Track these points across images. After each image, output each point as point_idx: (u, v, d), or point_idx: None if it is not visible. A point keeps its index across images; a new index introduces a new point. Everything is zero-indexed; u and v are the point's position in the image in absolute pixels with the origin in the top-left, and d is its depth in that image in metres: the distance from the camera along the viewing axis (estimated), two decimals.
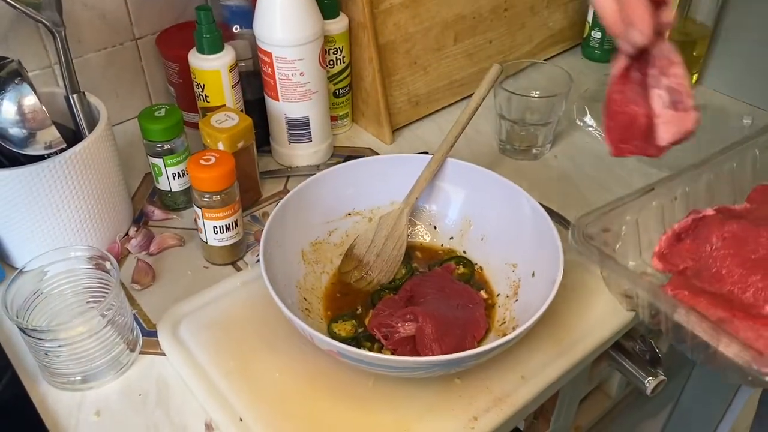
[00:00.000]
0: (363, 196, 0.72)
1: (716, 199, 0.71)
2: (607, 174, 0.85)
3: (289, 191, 0.81)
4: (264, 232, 0.62)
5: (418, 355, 0.58)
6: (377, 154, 0.87)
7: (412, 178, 0.71)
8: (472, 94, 0.73)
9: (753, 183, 0.73)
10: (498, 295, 0.66)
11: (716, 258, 0.62)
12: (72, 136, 0.72)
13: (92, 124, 0.71)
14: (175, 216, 0.78)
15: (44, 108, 0.61)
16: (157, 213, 0.78)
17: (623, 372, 0.76)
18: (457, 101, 0.96)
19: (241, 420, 0.57)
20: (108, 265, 0.61)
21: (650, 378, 0.74)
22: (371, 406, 0.58)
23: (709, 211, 0.67)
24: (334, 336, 0.62)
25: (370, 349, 0.61)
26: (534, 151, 0.87)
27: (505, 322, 0.62)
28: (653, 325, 0.60)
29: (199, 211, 0.68)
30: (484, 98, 0.73)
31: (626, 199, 0.65)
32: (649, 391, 0.74)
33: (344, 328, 0.63)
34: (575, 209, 0.78)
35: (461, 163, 0.70)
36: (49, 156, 0.64)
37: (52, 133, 0.60)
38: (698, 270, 0.63)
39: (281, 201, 0.65)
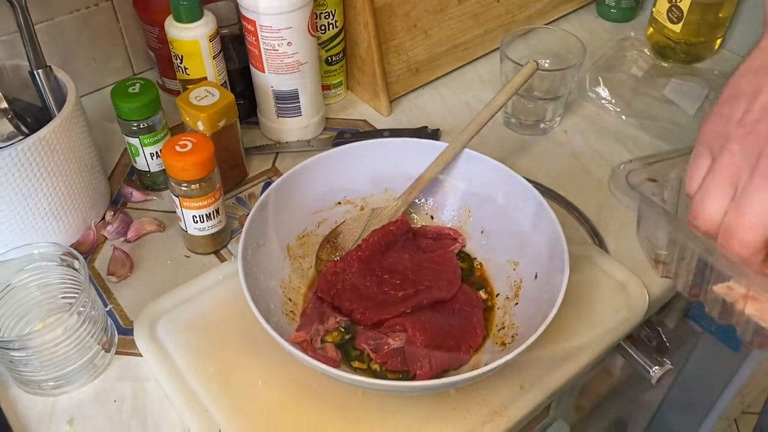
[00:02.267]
0: (355, 184, 0.66)
1: None
2: (621, 151, 0.79)
3: (277, 169, 0.76)
4: (242, 236, 0.57)
5: (407, 367, 0.54)
6: (373, 127, 0.81)
7: (409, 164, 0.65)
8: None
9: None
10: (498, 295, 0.61)
11: None
12: (40, 114, 0.66)
13: (61, 99, 0.65)
14: (155, 197, 0.74)
15: None
16: (136, 194, 0.73)
17: (628, 359, 0.72)
18: (460, 66, 0.89)
19: None
20: (77, 264, 0.57)
21: (656, 367, 0.70)
22: (360, 419, 0.54)
23: None
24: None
25: (359, 359, 0.57)
26: (542, 125, 0.81)
27: (504, 328, 0.58)
28: (692, 296, 0.53)
29: (176, 200, 0.63)
30: (511, 97, 0.66)
31: (673, 153, 0.59)
32: (654, 381, 0.71)
33: (330, 334, 0.59)
34: (585, 193, 0.73)
35: (464, 151, 0.65)
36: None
37: (5, 127, 0.54)
38: None
39: (260, 199, 0.60)
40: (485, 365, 0.49)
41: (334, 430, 0.54)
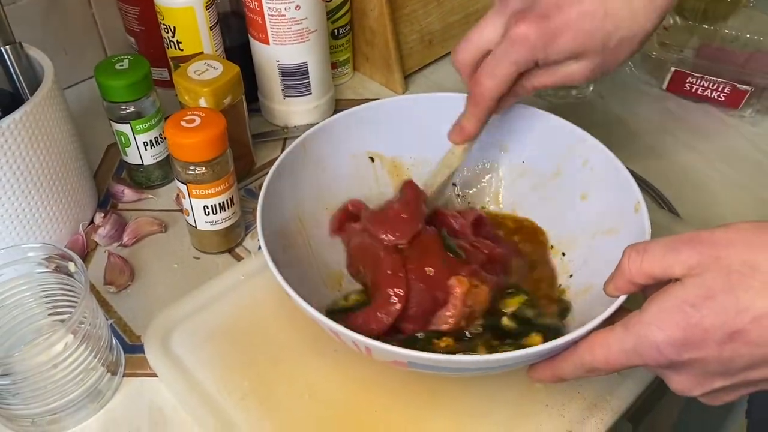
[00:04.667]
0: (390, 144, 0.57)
1: None
2: (662, 114, 0.72)
3: None
4: (260, 202, 0.47)
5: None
6: None
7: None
8: None
9: None
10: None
11: None
12: (10, 101, 0.56)
13: (35, 84, 0.55)
14: (150, 195, 0.63)
15: None
16: (128, 193, 0.62)
17: None
18: None
19: None
20: (72, 266, 0.46)
21: None
22: (431, 425, 0.45)
23: None
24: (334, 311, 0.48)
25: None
26: (574, 92, 0.73)
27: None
28: None
29: (183, 187, 0.53)
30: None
31: None
32: None
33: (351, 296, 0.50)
34: (636, 160, 0.65)
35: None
36: None
37: None
38: None
39: (280, 159, 0.51)
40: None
41: None
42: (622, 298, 0.40)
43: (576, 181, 0.53)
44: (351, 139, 0.55)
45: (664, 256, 0.35)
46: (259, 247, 0.49)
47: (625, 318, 0.36)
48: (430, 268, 0.47)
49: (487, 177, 0.58)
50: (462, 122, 0.50)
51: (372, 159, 0.57)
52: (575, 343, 0.39)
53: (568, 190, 0.53)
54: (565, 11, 0.43)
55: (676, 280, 0.35)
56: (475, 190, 0.58)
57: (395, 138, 0.56)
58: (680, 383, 0.37)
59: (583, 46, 0.44)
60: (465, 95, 0.50)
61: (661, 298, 0.35)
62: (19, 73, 0.55)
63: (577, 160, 0.53)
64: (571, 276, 0.51)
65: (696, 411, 0.94)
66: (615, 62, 0.46)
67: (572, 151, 0.53)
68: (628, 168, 0.49)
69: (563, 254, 0.53)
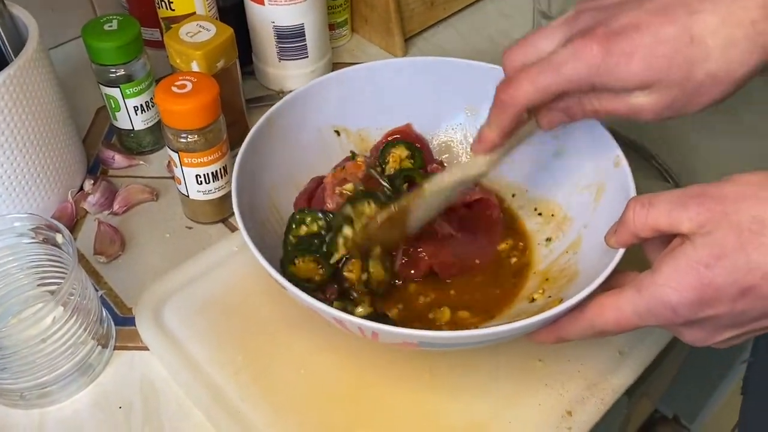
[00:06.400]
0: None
1: None
2: None
3: None
4: (236, 170, 0.46)
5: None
6: None
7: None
8: None
9: None
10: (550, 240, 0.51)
11: None
12: None
13: (20, 45, 0.52)
14: (141, 162, 0.61)
15: None
16: (118, 159, 0.60)
17: None
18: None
19: None
20: (59, 238, 0.45)
21: None
22: (432, 404, 0.44)
23: None
24: (292, 278, 0.46)
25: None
26: None
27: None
28: None
29: (175, 155, 0.52)
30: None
31: None
32: None
33: (305, 266, 0.47)
34: (642, 131, 0.63)
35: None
36: None
37: None
38: None
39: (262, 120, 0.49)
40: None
41: (404, 420, 0.43)
42: (621, 252, 0.40)
43: (548, 138, 0.51)
44: (315, 113, 0.53)
45: (671, 211, 0.35)
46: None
47: (635, 280, 0.36)
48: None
49: (457, 140, 0.57)
50: (483, 130, 0.43)
51: (338, 133, 0.55)
52: (581, 305, 0.38)
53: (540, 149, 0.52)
54: (643, 32, 0.36)
55: (682, 234, 0.35)
56: (446, 156, 0.57)
57: (359, 110, 0.55)
58: (692, 336, 0.37)
59: (658, 74, 0.36)
60: (430, 59, 0.48)
61: (672, 258, 0.34)
62: (1, 33, 0.52)
63: None
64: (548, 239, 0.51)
65: (689, 377, 0.94)
66: (697, 103, 0.37)
67: None
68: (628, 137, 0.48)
69: (540, 214, 0.53)
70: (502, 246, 0.52)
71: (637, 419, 1.03)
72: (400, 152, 0.52)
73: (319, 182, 0.52)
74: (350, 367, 0.46)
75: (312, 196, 0.52)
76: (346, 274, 0.47)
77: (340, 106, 0.54)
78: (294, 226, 0.49)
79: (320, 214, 0.48)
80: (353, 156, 0.53)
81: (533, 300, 0.47)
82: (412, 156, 0.52)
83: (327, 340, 0.47)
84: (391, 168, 0.52)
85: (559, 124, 0.42)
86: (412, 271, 0.49)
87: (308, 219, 0.48)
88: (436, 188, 0.46)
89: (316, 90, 0.53)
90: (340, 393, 0.44)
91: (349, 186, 0.49)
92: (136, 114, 0.59)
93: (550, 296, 0.46)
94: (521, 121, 0.42)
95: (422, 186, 0.46)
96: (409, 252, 0.49)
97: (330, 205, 0.49)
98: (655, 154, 0.61)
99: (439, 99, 0.55)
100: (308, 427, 0.43)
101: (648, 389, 0.89)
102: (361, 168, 0.51)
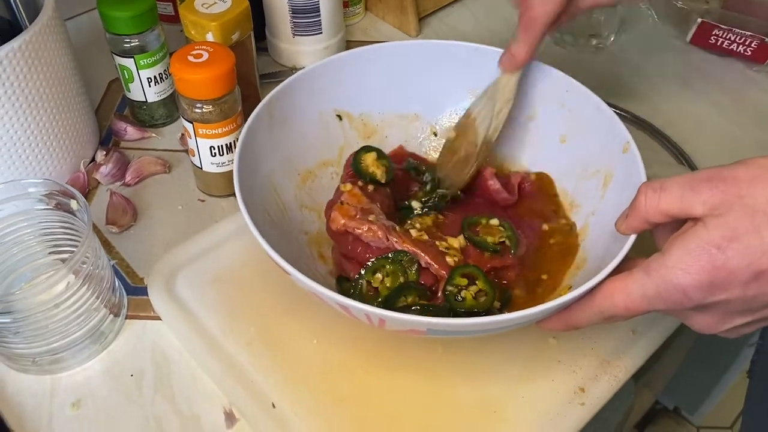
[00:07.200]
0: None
1: None
2: (685, 68, 0.69)
3: None
4: (238, 152, 0.45)
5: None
6: None
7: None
8: None
9: None
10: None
11: None
12: (8, 29, 0.53)
13: (35, 12, 0.52)
14: (153, 134, 0.61)
15: None
16: (130, 131, 0.60)
17: None
18: None
19: (273, 406, 0.42)
20: (74, 204, 0.45)
21: None
22: (444, 380, 0.44)
23: None
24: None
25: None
26: (595, 41, 0.71)
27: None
28: None
29: (189, 126, 0.51)
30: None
31: None
32: None
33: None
34: (656, 114, 0.63)
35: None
36: None
37: None
38: None
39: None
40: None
41: (416, 394, 0.43)
42: (632, 238, 0.39)
43: (555, 124, 0.51)
44: (316, 97, 0.52)
45: (683, 195, 0.34)
46: None
47: (643, 262, 0.35)
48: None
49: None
50: (512, 49, 0.49)
51: (339, 117, 0.54)
52: (590, 293, 0.37)
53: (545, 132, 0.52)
54: None
55: (695, 218, 0.34)
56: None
57: (362, 93, 0.54)
58: (702, 322, 0.36)
59: None
60: (427, 42, 0.50)
61: (683, 240, 0.34)
62: (17, 1, 0.52)
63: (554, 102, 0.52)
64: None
65: (693, 367, 0.94)
66: None
67: (550, 94, 0.52)
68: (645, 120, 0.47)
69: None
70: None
71: (638, 411, 1.03)
72: (372, 156, 0.51)
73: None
74: (364, 339, 0.46)
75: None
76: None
77: (343, 89, 0.53)
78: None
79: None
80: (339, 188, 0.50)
81: None
82: (379, 156, 0.51)
83: (340, 313, 0.47)
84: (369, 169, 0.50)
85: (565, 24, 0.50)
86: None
87: None
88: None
89: (319, 72, 0.52)
90: (353, 365, 0.44)
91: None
92: (150, 85, 0.58)
93: None
94: (544, 35, 0.47)
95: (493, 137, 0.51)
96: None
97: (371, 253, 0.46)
98: (668, 135, 0.61)
99: (444, 83, 0.55)
100: (321, 397, 0.43)
101: (651, 379, 0.89)
102: (358, 195, 0.48)
